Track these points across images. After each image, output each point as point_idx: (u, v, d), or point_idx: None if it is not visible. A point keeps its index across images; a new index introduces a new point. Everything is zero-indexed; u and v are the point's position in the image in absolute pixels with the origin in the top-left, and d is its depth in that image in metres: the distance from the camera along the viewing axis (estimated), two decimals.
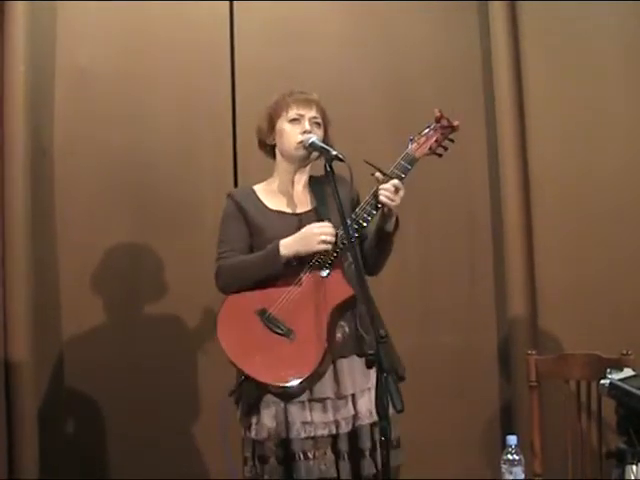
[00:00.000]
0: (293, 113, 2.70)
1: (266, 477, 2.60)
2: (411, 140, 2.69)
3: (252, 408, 2.62)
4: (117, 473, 3.57)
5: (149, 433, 3.55)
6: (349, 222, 2.54)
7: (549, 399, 3.09)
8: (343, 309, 2.60)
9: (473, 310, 3.73)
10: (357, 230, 2.59)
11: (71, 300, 3.58)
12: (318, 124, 2.71)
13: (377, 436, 2.58)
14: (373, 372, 2.55)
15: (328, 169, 2.52)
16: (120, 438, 3.58)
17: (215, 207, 3.59)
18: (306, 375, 2.53)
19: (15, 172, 3.42)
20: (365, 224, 2.60)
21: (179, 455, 3.58)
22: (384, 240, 2.70)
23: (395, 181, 2.60)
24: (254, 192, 2.76)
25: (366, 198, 2.62)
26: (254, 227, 2.69)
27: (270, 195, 2.75)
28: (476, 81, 3.78)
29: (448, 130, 2.70)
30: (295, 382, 2.54)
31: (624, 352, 2.87)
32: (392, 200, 2.59)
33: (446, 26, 3.79)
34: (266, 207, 2.72)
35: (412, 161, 2.66)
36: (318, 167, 2.66)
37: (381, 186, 2.59)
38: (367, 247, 2.74)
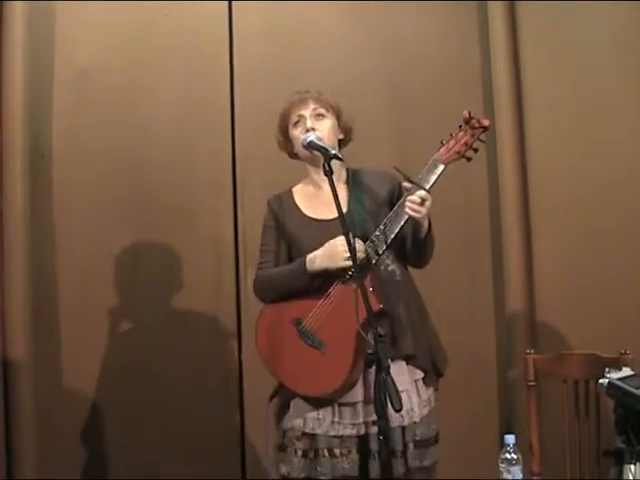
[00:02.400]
0: (294, 116, 2.70)
1: (280, 464, 2.64)
2: (442, 143, 2.64)
3: (283, 408, 2.68)
4: (117, 473, 3.57)
5: (149, 433, 3.55)
6: (378, 233, 2.55)
7: (547, 398, 3.09)
8: (374, 320, 2.55)
9: (472, 309, 3.74)
10: (386, 240, 2.56)
11: (70, 301, 3.58)
12: (321, 115, 2.69)
13: (406, 438, 2.62)
14: (404, 373, 2.62)
15: (327, 168, 2.50)
16: (120, 438, 3.58)
17: (213, 210, 3.63)
18: (334, 388, 2.55)
19: (14, 175, 3.42)
20: (393, 235, 2.57)
21: (180, 455, 3.58)
22: (419, 245, 2.69)
23: (422, 192, 2.56)
24: (292, 197, 2.77)
25: (394, 208, 2.60)
26: (290, 237, 2.71)
27: (306, 198, 2.75)
28: (475, 81, 3.78)
29: (479, 131, 2.63)
30: (323, 394, 2.57)
31: (622, 351, 2.88)
32: (418, 212, 2.56)
33: (445, 26, 3.80)
34: (302, 214, 2.72)
35: (440, 168, 2.61)
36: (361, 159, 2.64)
37: (408, 198, 2.56)
38: (408, 247, 2.72)
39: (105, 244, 3.59)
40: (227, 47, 3.70)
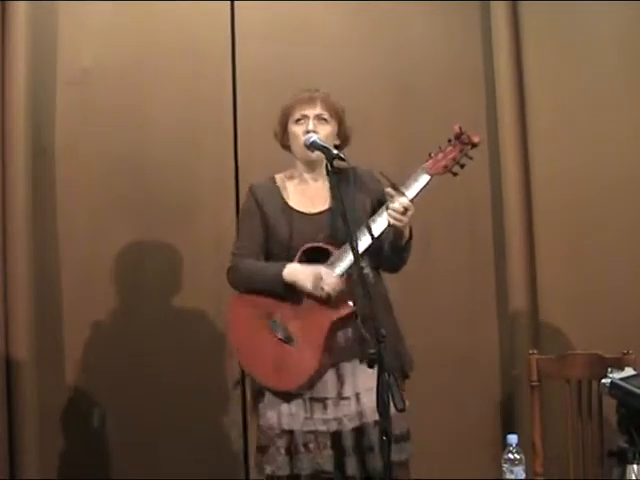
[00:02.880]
0: (298, 114, 2.71)
1: (265, 465, 2.64)
2: (429, 155, 2.64)
3: (259, 396, 2.69)
4: (119, 472, 3.56)
5: (151, 432, 3.55)
6: (364, 227, 2.55)
7: (550, 398, 3.09)
8: (345, 319, 2.61)
9: (474, 309, 3.73)
10: (371, 239, 2.56)
11: (73, 299, 3.58)
12: (324, 120, 2.70)
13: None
14: (375, 371, 2.59)
15: (329, 168, 2.52)
16: (122, 437, 3.57)
17: (217, 205, 3.63)
18: (300, 384, 2.58)
19: (16, 173, 3.41)
20: (376, 235, 2.57)
21: (182, 454, 3.58)
22: (398, 251, 2.70)
23: (405, 201, 2.57)
24: (275, 184, 2.77)
25: (375, 213, 2.61)
26: (271, 226, 2.71)
27: (290, 188, 2.76)
28: (478, 81, 3.77)
29: (467, 147, 2.64)
30: (290, 389, 2.60)
31: (625, 351, 2.88)
32: (399, 221, 2.58)
33: (448, 26, 3.79)
34: (285, 203, 2.73)
35: (425, 180, 2.62)
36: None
37: (390, 206, 2.57)
38: (385, 252, 2.73)
39: (107, 243, 3.58)
40: (229, 47, 3.69)
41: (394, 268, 2.79)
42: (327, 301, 2.58)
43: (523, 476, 2.40)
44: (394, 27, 3.77)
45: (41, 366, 3.48)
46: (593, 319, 3.56)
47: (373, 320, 2.32)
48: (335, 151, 2.53)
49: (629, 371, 2.26)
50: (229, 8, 3.70)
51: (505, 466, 2.40)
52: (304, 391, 2.61)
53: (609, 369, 2.26)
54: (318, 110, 2.70)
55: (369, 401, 2.59)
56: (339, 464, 2.61)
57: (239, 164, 3.67)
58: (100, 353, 3.56)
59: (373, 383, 2.55)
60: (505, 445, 2.42)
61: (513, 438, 2.42)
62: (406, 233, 2.66)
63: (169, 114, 3.65)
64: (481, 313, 3.73)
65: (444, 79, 3.76)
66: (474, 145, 2.65)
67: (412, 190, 2.60)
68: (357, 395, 2.63)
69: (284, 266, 2.62)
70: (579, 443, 2.93)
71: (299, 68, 3.65)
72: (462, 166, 2.66)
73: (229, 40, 3.70)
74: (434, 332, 3.70)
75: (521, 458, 2.39)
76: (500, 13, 3.69)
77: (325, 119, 2.71)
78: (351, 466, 2.59)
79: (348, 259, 2.57)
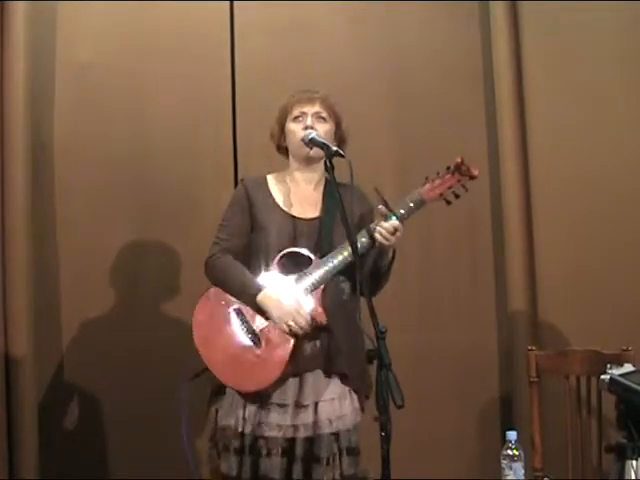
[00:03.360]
0: (296, 112, 2.70)
1: (221, 463, 2.65)
2: (426, 179, 2.64)
3: (219, 392, 2.69)
4: (118, 471, 3.57)
5: (150, 431, 3.55)
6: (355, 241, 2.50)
7: (549, 394, 3.09)
8: (315, 331, 2.60)
9: (474, 306, 3.74)
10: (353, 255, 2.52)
11: (71, 296, 3.58)
12: (323, 119, 2.70)
13: (338, 444, 2.62)
14: (337, 383, 2.64)
15: (328, 165, 2.52)
16: (121, 436, 3.57)
17: (215, 203, 3.61)
18: (262, 387, 2.56)
19: (15, 169, 3.42)
20: (359, 249, 2.53)
21: (181, 453, 3.58)
22: (377, 272, 2.69)
23: (395, 222, 2.57)
24: (267, 183, 2.76)
25: (365, 227, 2.60)
26: (257, 221, 2.69)
27: (282, 190, 2.74)
28: (477, 80, 3.77)
29: (465, 178, 2.64)
30: (251, 390, 2.58)
31: (624, 348, 2.89)
32: (387, 240, 2.57)
33: (448, 25, 3.79)
34: (275, 203, 2.71)
35: (419, 203, 2.62)
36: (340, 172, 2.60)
37: (380, 224, 2.57)
38: (364, 274, 2.70)
39: (107, 241, 3.59)
40: (229, 46, 3.69)
41: (371, 291, 2.63)
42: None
43: (522, 472, 2.40)
44: (394, 27, 3.77)
45: (40, 365, 3.48)
46: (592, 315, 3.56)
47: (373, 317, 2.32)
48: (334, 148, 2.53)
49: (628, 367, 2.26)
50: (228, 7, 3.70)
51: (504, 462, 2.40)
52: (267, 391, 2.58)
53: (608, 365, 2.27)
54: (317, 108, 2.70)
55: (327, 412, 2.61)
56: (286, 471, 2.60)
57: (238, 162, 3.67)
58: (99, 352, 3.56)
59: (333, 395, 2.62)
60: (504, 441, 2.42)
61: (512, 434, 2.42)
62: (389, 254, 2.65)
63: (168, 113, 3.66)
64: (480, 309, 3.73)
65: (444, 79, 3.76)
66: (472, 178, 2.65)
67: (404, 212, 2.59)
68: (315, 404, 2.62)
69: (258, 291, 2.59)
70: (578, 439, 2.94)
71: (299, 68, 3.65)
72: (457, 196, 2.65)
73: (228, 39, 3.70)
74: (434, 329, 3.71)
75: (520, 454, 2.40)
76: (500, 13, 3.68)
77: (323, 118, 2.71)
78: (297, 474, 2.59)
79: (321, 272, 2.57)
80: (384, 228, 2.56)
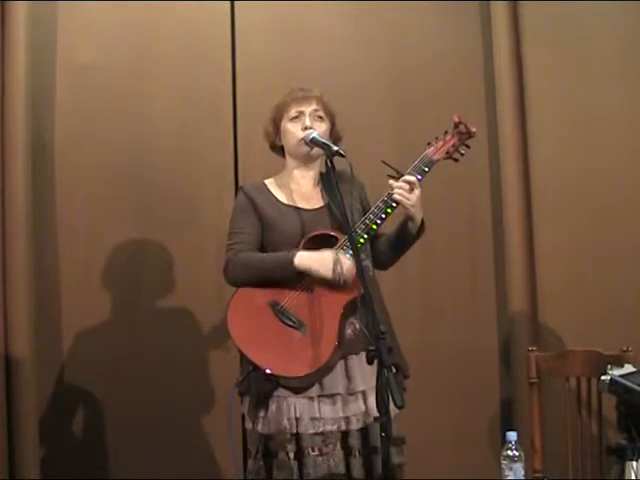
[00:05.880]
0: (293, 111, 2.71)
1: (274, 472, 2.59)
2: (429, 144, 2.71)
3: (261, 401, 2.62)
4: (118, 471, 3.57)
5: (151, 431, 3.55)
6: (360, 223, 2.58)
7: (549, 395, 3.09)
8: (354, 307, 2.59)
9: (474, 307, 3.74)
10: (368, 231, 2.59)
11: (72, 297, 3.58)
12: (320, 117, 2.71)
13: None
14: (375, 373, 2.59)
15: (329, 165, 2.53)
16: (121, 436, 3.57)
17: (216, 204, 3.63)
18: (315, 369, 2.53)
19: (16, 170, 3.41)
20: (375, 226, 2.59)
21: (182, 453, 3.58)
22: (405, 242, 2.72)
23: (408, 176, 2.60)
24: (266, 186, 2.77)
25: (381, 198, 2.62)
26: (267, 221, 2.69)
27: (282, 189, 2.75)
28: (478, 80, 3.78)
29: (465, 136, 2.72)
30: (303, 374, 2.54)
31: (624, 348, 2.88)
32: (407, 198, 2.59)
33: (448, 26, 3.80)
34: (279, 201, 2.72)
35: (429, 163, 2.67)
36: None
37: (395, 184, 2.59)
38: (383, 245, 2.76)
39: (108, 236, 3.59)
40: (230, 46, 3.70)
41: (390, 262, 2.79)
42: (335, 286, 2.56)
43: (522, 473, 2.40)
44: (394, 27, 3.77)
45: (40, 366, 3.48)
46: (592, 316, 3.57)
47: (373, 316, 2.33)
48: (335, 148, 2.55)
49: (629, 368, 2.25)
50: (229, 8, 3.71)
51: (504, 463, 2.40)
52: (312, 380, 2.55)
53: (609, 366, 2.26)
54: (314, 107, 2.71)
55: (374, 401, 2.61)
56: (346, 465, 2.59)
57: (238, 164, 3.67)
58: (100, 352, 3.56)
59: (373, 383, 2.56)
60: (504, 442, 2.42)
61: (512, 435, 2.42)
62: (418, 219, 2.66)
63: (169, 113, 3.66)
64: (481, 310, 3.74)
65: (444, 79, 3.76)
66: (471, 135, 2.73)
67: (416, 172, 2.64)
68: (363, 393, 2.61)
69: (293, 254, 2.58)
70: (578, 440, 2.93)
71: (299, 68, 3.65)
72: (462, 154, 2.73)
73: (229, 39, 3.70)
74: (434, 330, 3.71)
75: (520, 455, 2.39)
76: (500, 13, 3.69)
77: (321, 116, 2.72)
78: (356, 467, 2.58)
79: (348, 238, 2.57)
80: (399, 187, 2.59)
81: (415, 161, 2.67)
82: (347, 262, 2.56)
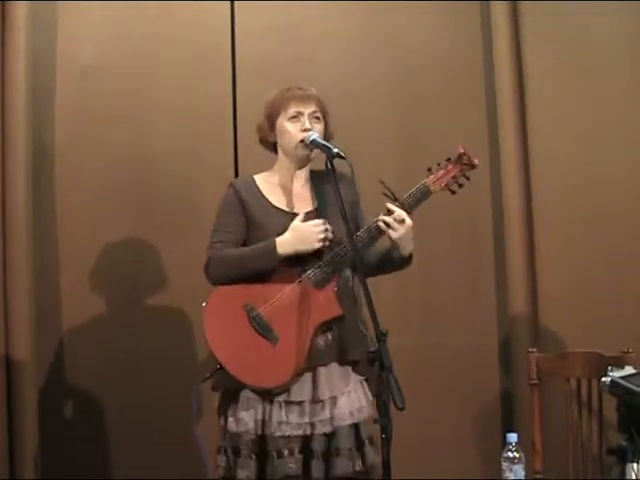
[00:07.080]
0: (292, 110, 2.67)
1: (238, 470, 2.61)
2: (429, 170, 2.67)
3: (230, 399, 2.65)
4: (118, 471, 3.57)
5: (150, 432, 3.55)
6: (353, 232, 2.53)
7: (550, 397, 3.09)
8: (330, 323, 2.61)
9: (474, 309, 3.74)
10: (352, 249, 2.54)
11: (72, 298, 3.58)
12: (317, 118, 2.69)
13: (362, 435, 2.63)
14: (352, 376, 2.65)
15: (329, 167, 2.52)
16: (121, 437, 3.57)
17: (215, 206, 3.62)
18: (281, 383, 2.56)
19: (16, 172, 3.42)
20: (359, 245, 2.56)
21: (181, 453, 3.58)
22: (386, 267, 2.73)
23: (400, 212, 2.58)
24: (256, 184, 2.74)
25: (373, 221, 2.61)
26: (254, 222, 2.67)
27: (272, 189, 2.73)
28: (478, 81, 3.78)
29: (467, 167, 2.69)
30: (270, 387, 2.57)
31: (625, 350, 2.88)
32: (394, 229, 2.58)
33: (448, 26, 3.79)
34: (268, 202, 2.70)
35: (426, 194, 2.65)
36: (318, 162, 2.65)
37: (384, 219, 2.58)
38: (368, 257, 2.72)
39: (108, 238, 3.59)
40: (230, 47, 3.70)
41: (374, 274, 2.73)
42: (314, 302, 2.57)
43: (523, 474, 2.39)
44: (394, 27, 3.77)
45: (40, 366, 3.48)
46: (593, 317, 3.57)
47: (373, 318, 2.32)
48: (336, 150, 2.53)
49: (629, 369, 2.25)
50: (229, 8, 3.70)
51: (505, 464, 2.39)
52: (280, 391, 2.58)
53: (609, 367, 2.26)
54: (313, 108, 2.68)
55: (347, 404, 2.62)
56: (305, 468, 2.60)
57: (239, 166, 3.67)
58: (100, 353, 3.56)
59: (348, 387, 2.62)
60: (505, 443, 2.42)
61: (513, 436, 2.41)
62: (405, 249, 2.64)
63: (169, 115, 3.66)
64: (481, 312, 3.74)
65: (444, 79, 3.76)
66: (473, 167, 2.70)
67: (411, 202, 2.62)
68: (333, 399, 2.62)
69: (274, 242, 2.58)
70: (579, 441, 2.93)
71: (300, 70, 3.64)
72: (460, 185, 2.70)
73: (229, 39, 3.70)
74: (435, 332, 3.71)
75: (521, 456, 2.39)
76: (500, 13, 3.69)
77: (318, 117, 2.70)
78: (317, 470, 2.59)
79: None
80: (392, 218, 2.57)
81: (412, 189, 2.63)
82: (320, 226, 2.58)
